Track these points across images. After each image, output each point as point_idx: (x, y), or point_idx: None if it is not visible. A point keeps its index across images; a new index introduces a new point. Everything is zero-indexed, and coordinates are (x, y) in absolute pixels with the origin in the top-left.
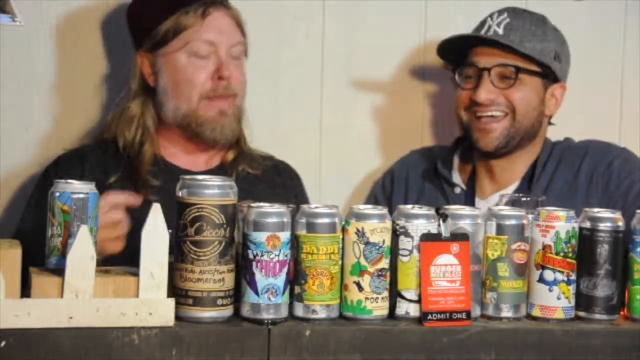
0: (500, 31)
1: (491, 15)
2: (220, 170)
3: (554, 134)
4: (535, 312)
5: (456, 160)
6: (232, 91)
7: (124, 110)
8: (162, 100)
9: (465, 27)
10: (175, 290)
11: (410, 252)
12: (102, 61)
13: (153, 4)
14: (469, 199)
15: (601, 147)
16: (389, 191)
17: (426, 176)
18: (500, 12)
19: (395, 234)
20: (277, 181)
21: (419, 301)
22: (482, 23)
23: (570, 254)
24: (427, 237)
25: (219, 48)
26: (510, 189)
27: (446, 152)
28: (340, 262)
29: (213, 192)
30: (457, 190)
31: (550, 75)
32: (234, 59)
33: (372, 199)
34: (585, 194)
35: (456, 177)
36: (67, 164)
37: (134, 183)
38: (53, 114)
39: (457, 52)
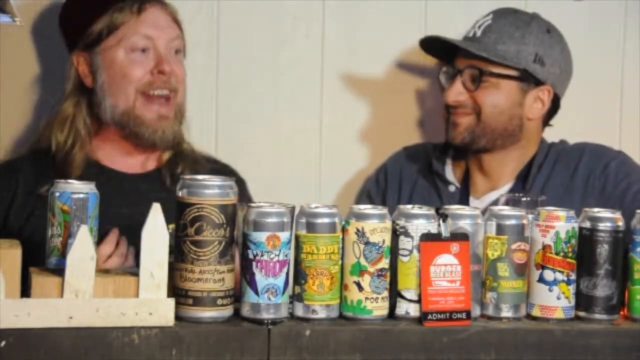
0: (479, 33)
1: (481, 18)
2: (157, 173)
3: (553, 134)
4: (535, 312)
5: (450, 158)
6: (171, 86)
7: (58, 112)
8: (99, 99)
9: (465, 27)
10: (175, 290)
11: (410, 252)
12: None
13: (86, 3)
14: (463, 197)
15: (597, 150)
16: (383, 187)
17: (420, 172)
18: (489, 13)
19: (395, 234)
20: None
21: (419, 301)
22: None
23: (570, 254)
24: (427, 237)
25: (157, 43)
26: (504, 189)
27: (440, 149)
28: (340, 262)
29: (213, 192)
30: (452, 188)
31: (530, 79)
32: (174, 53)
33: (365, 195)
34: (581, 196)
35: (450, 175)
36: (0, 176)
37: None
38: None
39: (451, 52)
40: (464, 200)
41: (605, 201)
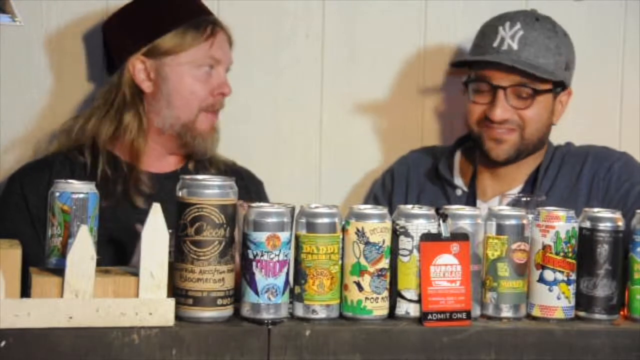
0: (515, 46)
1: (503, 25)
2: (183, 173)
3: (553, 134)
4: (535, 312)
5: (457, 161)
6: (224, 103)
7: (119, 120)
8: (159, 107)
9: (465, 28)
10: (175, 290)
11: (410, 252)
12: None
13: (159, 11)
14: (470, 201)
15: (601, 152)
16: (389, 190)
17: (427, 176)
18: (512, 21)
19: (395, 234)
20: (239, 184)
21: (419, 301)
22: (494, 32)
23: (570, 254)
24: (427, 237)
25: (221, 66)
26: (513, 192)
27: (447, 153)
28: (340, 262)
29: (213, 192)
30: (459, 192)
31: (561, 86)
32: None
33: (372, 198)
34: (586, 198)
35: (457, 179)
36: (32, 172)
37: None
38: (46, 116)
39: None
40: (471, 204)
41: (608, 203)
